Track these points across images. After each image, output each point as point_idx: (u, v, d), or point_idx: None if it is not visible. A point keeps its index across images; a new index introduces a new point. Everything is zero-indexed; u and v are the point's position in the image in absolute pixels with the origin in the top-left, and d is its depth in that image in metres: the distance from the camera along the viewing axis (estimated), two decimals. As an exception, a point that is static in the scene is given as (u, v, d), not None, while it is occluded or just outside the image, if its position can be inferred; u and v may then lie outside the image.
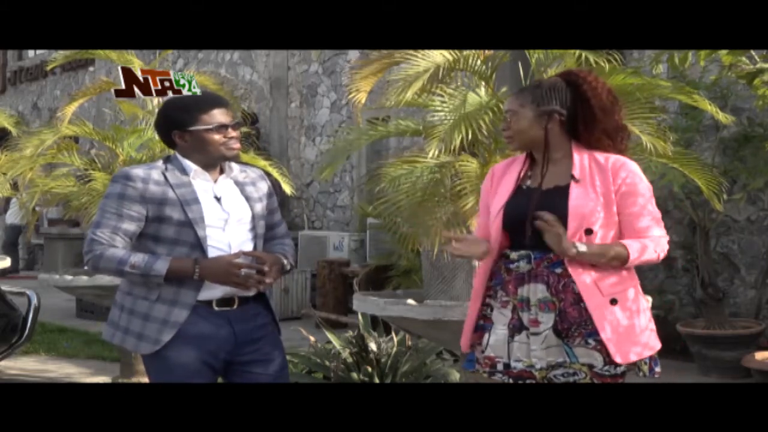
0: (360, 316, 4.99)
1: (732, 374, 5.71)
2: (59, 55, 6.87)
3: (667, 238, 2.64)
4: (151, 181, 2.77)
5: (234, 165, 2.92)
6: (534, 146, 2.68)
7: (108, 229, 2.74)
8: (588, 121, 2.63)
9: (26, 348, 6.51)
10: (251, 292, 2.83)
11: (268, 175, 5.35)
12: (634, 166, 2.62)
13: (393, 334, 4.80)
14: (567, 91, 2.65)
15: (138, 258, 2.71)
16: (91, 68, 14.13)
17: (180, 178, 2.81)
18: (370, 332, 4.83)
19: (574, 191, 2.57)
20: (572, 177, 2.59)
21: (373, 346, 4.64)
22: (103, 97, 10.47)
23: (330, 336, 4.97)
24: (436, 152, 3.61)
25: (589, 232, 2.54)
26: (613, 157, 2.62)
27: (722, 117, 4.21)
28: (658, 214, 2.63)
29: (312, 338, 5.18)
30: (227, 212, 2.82)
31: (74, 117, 6.24)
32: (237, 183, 2.91)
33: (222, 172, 2.89)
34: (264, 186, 2.99)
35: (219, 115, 2.82)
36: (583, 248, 2.52)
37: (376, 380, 4.50)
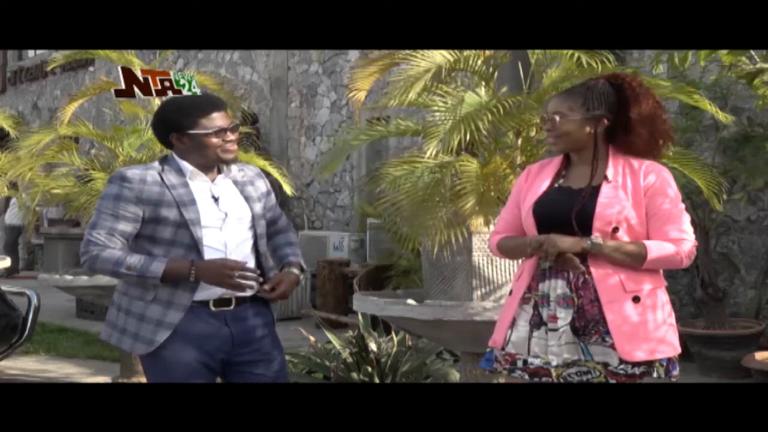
0: (360, 316, 4.98)
1: (732, 374, 5.71)
2: (59, 55, 6.84)
3: (693, 243, 2.62)
4: (148, 182, 2.76)
5: (232, 165, 2.91)
6: (578, 148, 2.68)
7: (104, 230, 2.74)
8: (626, 126, 2.65)
9: (26, 348, 6.51)
10: (248, 293, 2.83)
11: (268, 175, 5.35)
12: (664, 171, 2.65)
13: (393, 334, 4.80)
14: (613, 95, 2.66)
15: (134, 259, 2.71)
16: (91, 68, 14.14)
17: (177, 179, 2.80)
18: (370, 332, 4.83)
19: (604, 190, 2.60)
20: (605, 177, 2.62)
21: (373, 346, 4.63)
22: (103, 97, 10.46)
23: (330, 336, 4.97)
24: (436, 152, 3.61)
25: (615, 230, 2.56)
26: (646, 162, 2.65)
27: (722, 117, 4.20)
28: (684, 218, 2.63)
29: (312, 338, 5.17)
30: (224, 212, 2.82)
31: (74, 117, 6.23)
32: (236, 183, 2.90)
33: (220, 172, 2.89)
34: (262, 184, 2.99)
35: (218, 119, 2.81)
36: (598, 240, 2.53)
37: (376, 380, 4.50)
